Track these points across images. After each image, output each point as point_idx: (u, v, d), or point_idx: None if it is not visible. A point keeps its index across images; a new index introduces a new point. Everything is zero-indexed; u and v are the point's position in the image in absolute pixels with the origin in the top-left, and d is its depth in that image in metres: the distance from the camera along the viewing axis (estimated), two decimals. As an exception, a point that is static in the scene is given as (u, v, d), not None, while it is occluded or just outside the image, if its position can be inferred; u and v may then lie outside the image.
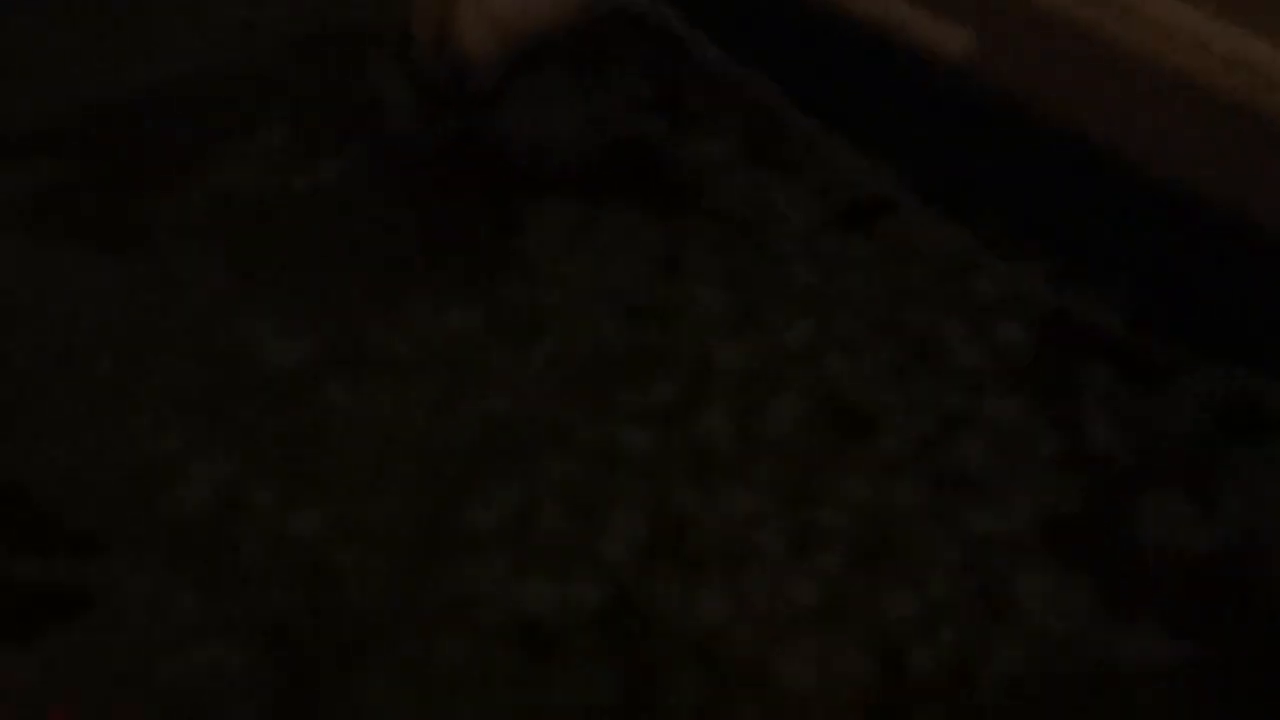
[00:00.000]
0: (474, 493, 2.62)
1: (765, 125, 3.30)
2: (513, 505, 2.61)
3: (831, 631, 2.47)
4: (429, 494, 2.62)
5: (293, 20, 3.55)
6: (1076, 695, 2.43)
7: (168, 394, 2.76)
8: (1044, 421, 2.82)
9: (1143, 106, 2.90)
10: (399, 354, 2.86)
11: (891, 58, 3.21)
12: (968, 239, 3.07)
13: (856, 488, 2.68)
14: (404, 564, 2.50)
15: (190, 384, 2.78)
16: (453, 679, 2.35)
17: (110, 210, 3.13)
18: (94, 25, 3.52)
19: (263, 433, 2.70)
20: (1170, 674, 2.46)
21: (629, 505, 2.62)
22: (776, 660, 2.42)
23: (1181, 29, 2.85)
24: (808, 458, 2.72)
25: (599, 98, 3.41)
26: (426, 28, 3.31)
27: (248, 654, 2.26)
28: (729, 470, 2.69)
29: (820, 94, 3.23)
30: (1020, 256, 3.07)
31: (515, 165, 3.28)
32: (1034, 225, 3.13)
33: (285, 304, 2.94)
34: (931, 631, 2.48)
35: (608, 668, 2.39)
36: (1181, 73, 2.84)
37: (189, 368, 2.81)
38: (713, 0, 3.36)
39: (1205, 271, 2.95)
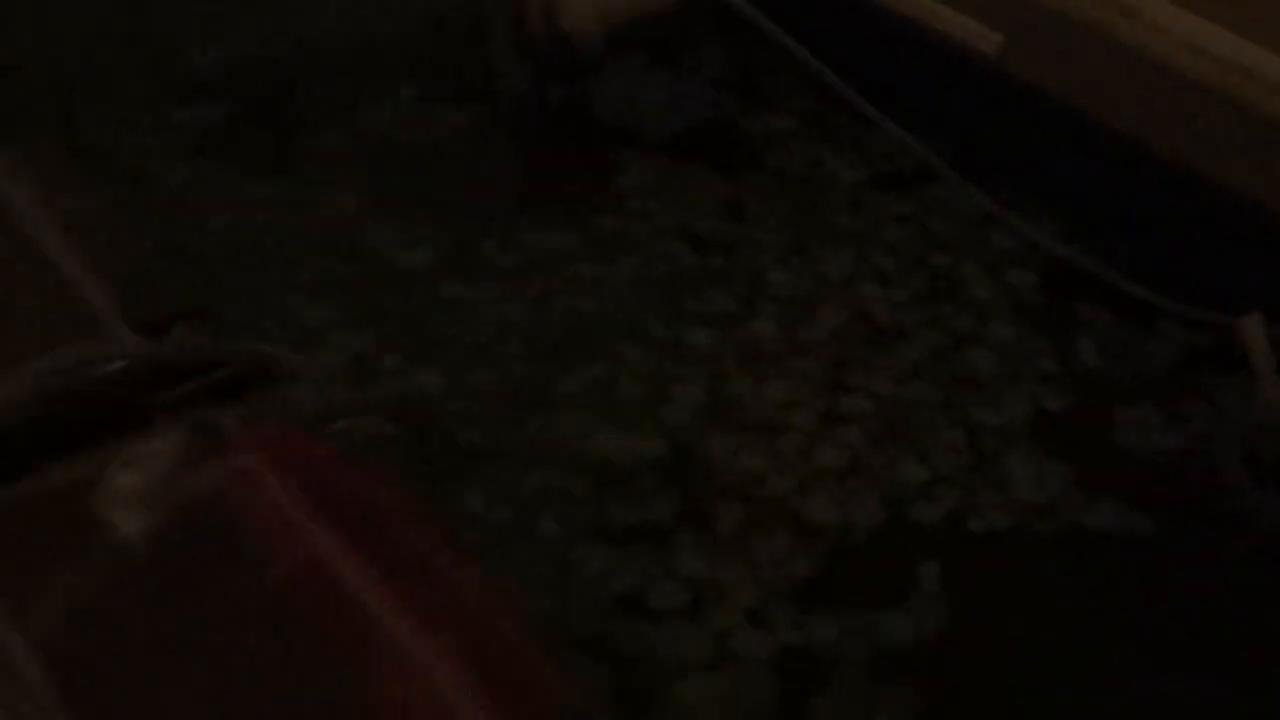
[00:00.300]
0: (562, 368, 3.18)
1: (825, 104, 3.84)
2: (593, 378, 3.16)
3: (850, 486, 3.00)
4: (526, 366, 3.18)
5: (426, 1, 4.19)
6: (1046, 548, 2.94)
7: (313, 282, 3.34)
8: (1043, 345, 3.33)
9: (1142, 95, 3.41)
10: (507, 263, 3.44)
11: (936, 53, 3.73)
12: (990, 201, 3.59)
13: (879, 383, 3.21)
14: (503, 414, 3.06)
15: (331, 276, 3.36)
16: (538, 498, 2.90)
17: (270, 143, 3.75)
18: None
19: (391, 315, 3.28)
20: (1126, 540, 2.95)
21: (690, 384, 3.17)
22: (803, 503, 2.95)
23: (1177, 31, 3.35)
24: (839, 358, 3.26)
25: (682, 74, 4.00)
26: (537, 9, 3.89)
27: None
28: (773, 364, 3.24)
29: (874, 80, 3.73)
30: (1035, 216, 3.59)
31: (609, 127, 3.87)
32: (1048, 192, 3.64)
33: (412, 221, 3.52)
34: (933, 492, 3.00)
35: (664, 498, 2.93)
36: (1174, 68, 3.34)
37: (331, 263, 3.39)
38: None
39: (1191, 232, 3.44)
